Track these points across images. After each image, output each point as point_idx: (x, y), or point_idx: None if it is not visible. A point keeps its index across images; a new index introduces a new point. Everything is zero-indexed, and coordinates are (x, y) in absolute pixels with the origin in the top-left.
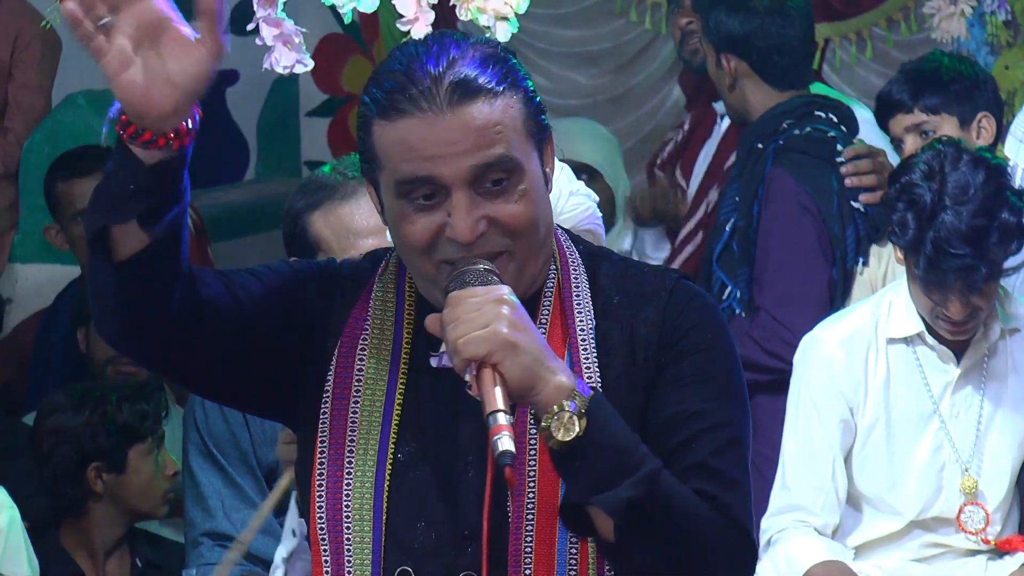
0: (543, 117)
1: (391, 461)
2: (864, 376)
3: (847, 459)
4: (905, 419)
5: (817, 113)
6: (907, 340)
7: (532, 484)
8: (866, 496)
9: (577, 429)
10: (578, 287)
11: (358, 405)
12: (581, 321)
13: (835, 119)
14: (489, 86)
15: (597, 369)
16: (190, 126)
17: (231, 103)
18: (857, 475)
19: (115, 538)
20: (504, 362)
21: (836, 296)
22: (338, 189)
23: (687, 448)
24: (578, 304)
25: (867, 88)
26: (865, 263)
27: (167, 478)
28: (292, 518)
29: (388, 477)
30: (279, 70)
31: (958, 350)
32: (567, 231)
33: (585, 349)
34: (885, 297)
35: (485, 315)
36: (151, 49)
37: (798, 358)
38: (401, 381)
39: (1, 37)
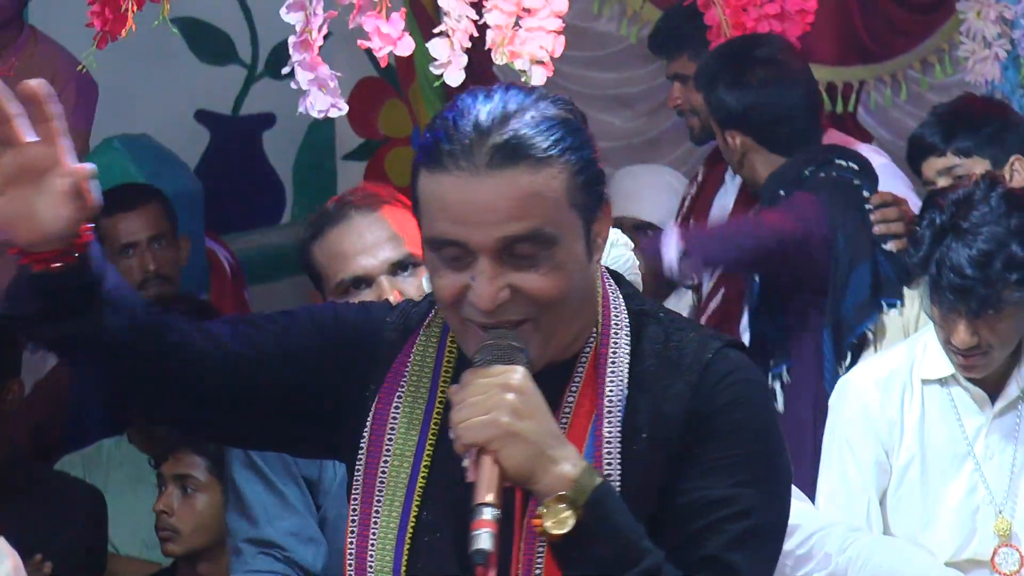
0: (598, 188)
1: (414, 521)
2: (900, 417)
3: (881, 501)
4: (939, 460)
5: (838, 161)
6: (941, 381)
7: (540, 562)
8: (900, 537)
9: (571, 523)
10: (616, 355)
11: (387, 464)
12: (612, 392)
13: (856, 167)
14: (534, 152)
15: (619, 445)
16: (72, 247)
17: (267, 146)
18: (891, 516)
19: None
20: (502, 451)
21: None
22: (332, 215)
23: (702, 537)
24: (612, 374)
25: (902, 130)
26: (901, 303)
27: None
28: None
29: (409, 538)
30: (314, 114)
31: (992, 392)
32: (623, 286)
33: (611, 423)
34: (920, 339)
35: (489, 401)
36: (29, 186)
37: (833, 400)
38: (430, 441)
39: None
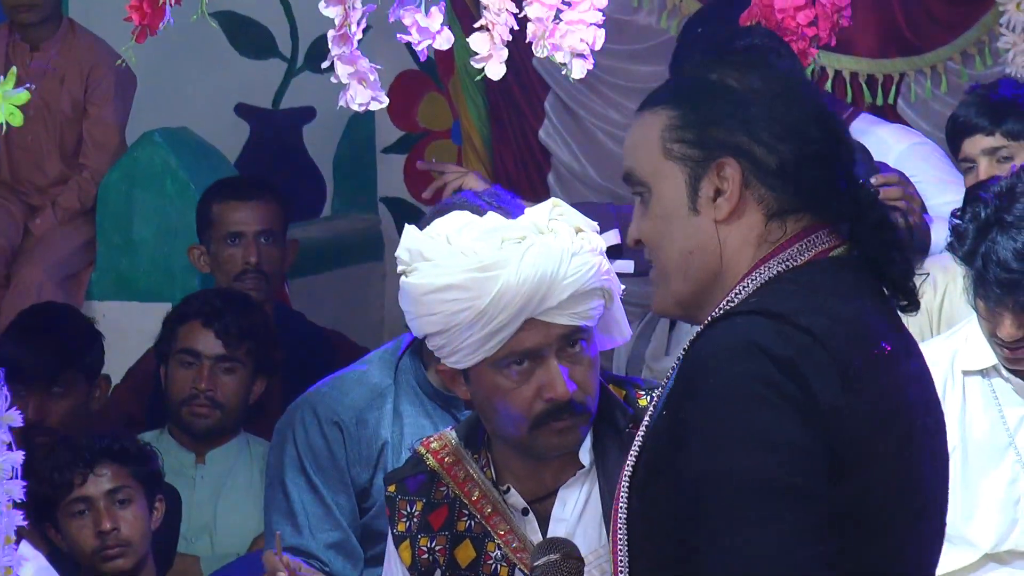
0: (701, 140)
1: None
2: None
3: None
4: (980, 451)
5: None
6: (983, 372)
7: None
8: None
9: None
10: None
11: None
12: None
13: None
14: (650, 101)
15: (657, 410)
16: None
17: (308, 140)
18: None
19: None
20: None
21: None
22: (473, 210)
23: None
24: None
25: (941, 122)
26: None
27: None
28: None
29: None
30: (354, 107)
31: None
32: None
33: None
34: (962, 330)
35: None
36: None
37: None
38: None
39: (74, 74)
